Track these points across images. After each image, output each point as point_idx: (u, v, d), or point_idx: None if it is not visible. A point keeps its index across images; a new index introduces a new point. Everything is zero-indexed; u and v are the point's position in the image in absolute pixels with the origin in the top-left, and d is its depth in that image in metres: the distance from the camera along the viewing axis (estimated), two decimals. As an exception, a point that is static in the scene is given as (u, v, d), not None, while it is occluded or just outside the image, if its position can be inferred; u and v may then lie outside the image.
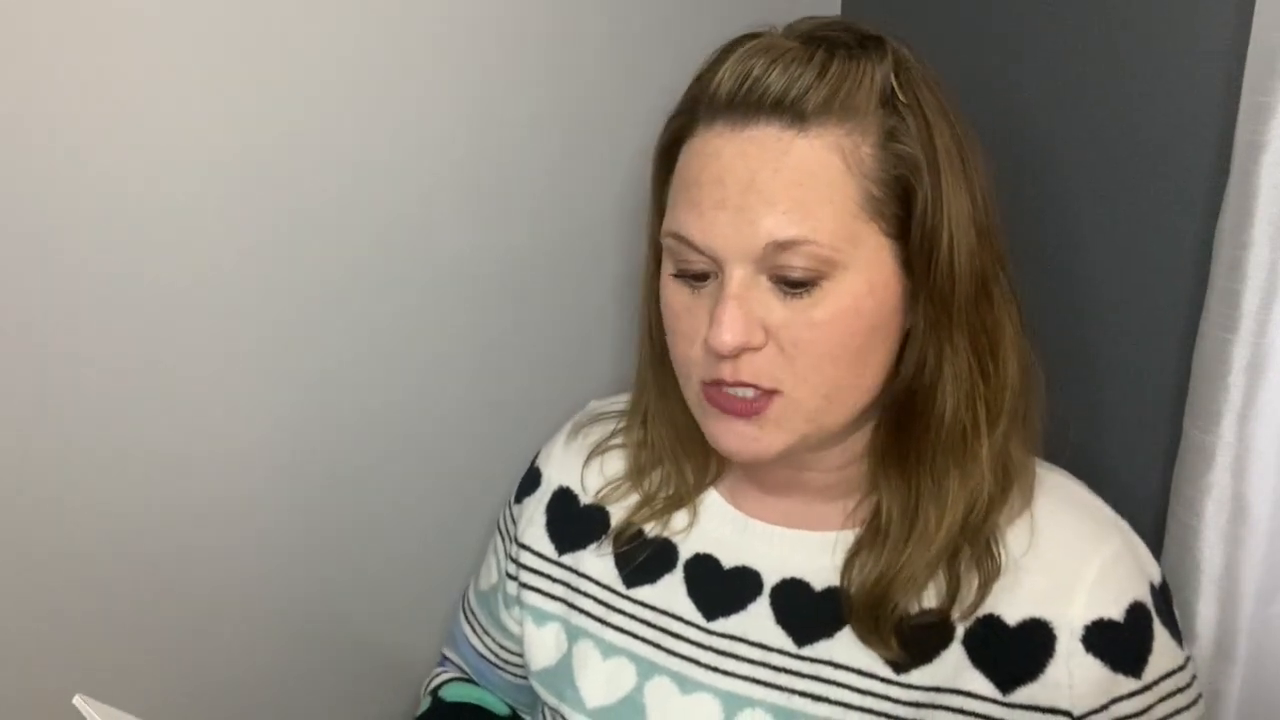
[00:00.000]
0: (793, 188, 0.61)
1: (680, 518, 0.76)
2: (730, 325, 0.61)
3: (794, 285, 0.62)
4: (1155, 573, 0.67)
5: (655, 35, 0.91)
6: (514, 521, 0.84)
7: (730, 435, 0.66)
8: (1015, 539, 0.66)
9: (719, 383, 0.64)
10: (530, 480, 0.84)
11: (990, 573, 0.65)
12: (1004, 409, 0.66)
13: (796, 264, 0.61)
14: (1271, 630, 0.73)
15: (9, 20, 0.66)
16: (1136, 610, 0.64)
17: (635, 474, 0.78)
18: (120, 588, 0.79)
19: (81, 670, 0.79)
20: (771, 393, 0.64)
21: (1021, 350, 0.67)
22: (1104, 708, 0.64)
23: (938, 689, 0.66)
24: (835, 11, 1.01)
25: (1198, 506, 0.72)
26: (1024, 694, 0.64)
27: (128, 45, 0.70)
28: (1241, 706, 0.74)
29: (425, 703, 0.88)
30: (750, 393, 0.64)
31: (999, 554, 0.66)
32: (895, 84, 0.63)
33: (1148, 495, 0.80)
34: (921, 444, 0.66)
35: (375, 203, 0.82)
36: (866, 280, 0.62)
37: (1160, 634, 0.65)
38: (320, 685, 0.91)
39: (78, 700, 0.55)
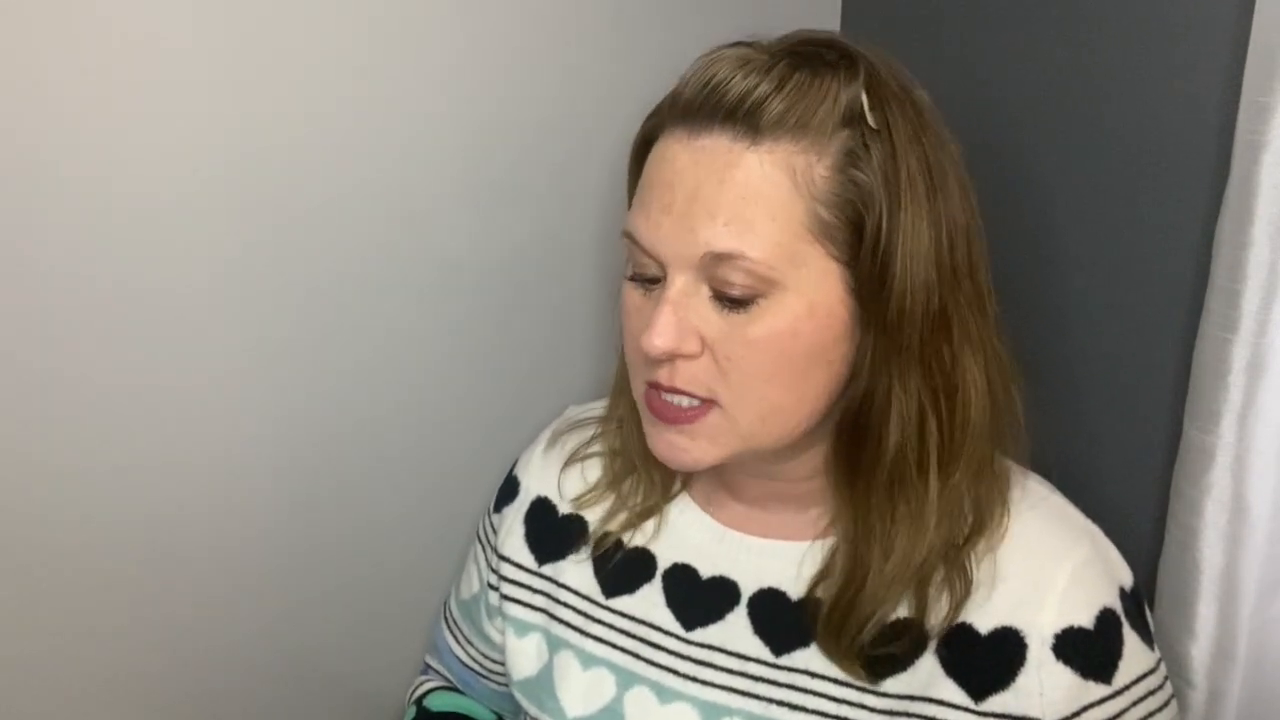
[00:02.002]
0: (735, 201, 0.60)
1: (652, 524, 0.75)
2: (662, 330, 0.61)
3: (732, 298, 0.61)
4: (1126, 577, 0.67)
5: (653, 36, 0.91)
6: (494, 531, 0.83)
7: (661, 442, 0.66)
8: (987, 564, 0.66)
9: (656, 386, 0.64)
10: (508, 489, 0.83)
11: (960, 594, 0.65)
12: (961, 453, 0.65)
13: (735, 279, 0.61)
14: (1271, 630, 0.73)
15: (7, 21, 0.66)
16: (1106, 617, 0.64)
17: (611, 481, 0.78)
18: (113, 591, 0.79)
19: (69, 675, 0.79)
20: (709, 403, 0.63)
21: (990, 395, 0.65)
22: (1076, 714, 0.64)
23: (912, 697, 0.66)
24: (836, 14, 1.01)
25: (1198, 506, 0.72)
26: (996, 702, 0.64)
27: (127, 46, 0.70)
28: (1241, 706, 0.74)
29: (410, 713, 0.88)
30: (686, 401, 0.64)
31: (971, 574, 0.65)
32: (865, 105, 0.61)
33: (1148, 495, 0.80)
34: (870, 477, 0.65)
35: (367, 209, 0.82)
36: (807, 303, 0.61)
37: (1130, 638, 0.65)
38: (310, 691, 0.91)
39: None
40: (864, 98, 0.61)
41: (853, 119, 0.61)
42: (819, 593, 0.68)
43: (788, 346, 0.62)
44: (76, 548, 0.77)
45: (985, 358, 0.65)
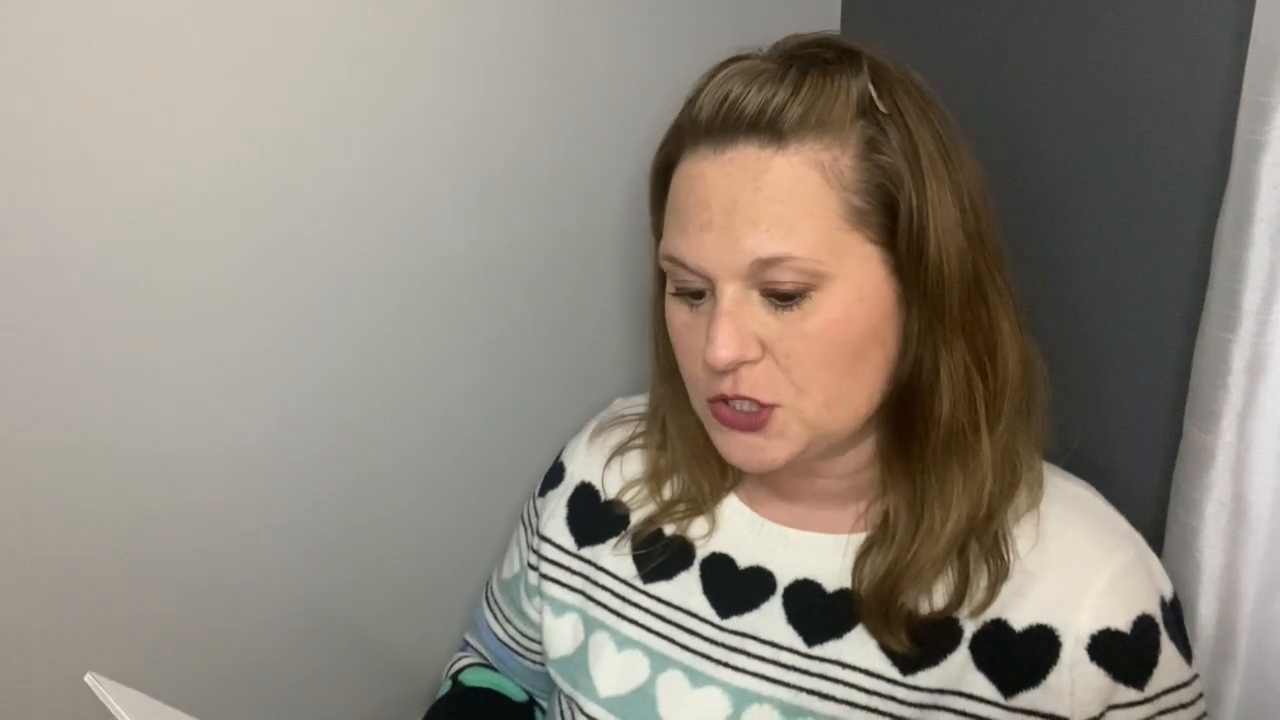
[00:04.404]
0: (773, 205, 0.62)
1: (700, 525, 0.77)
2: (725, 341, 0.63)
3: (784, 298, 0.63)
4: (1167, 588, 0.68)
5: (653, 35, 0.91)
6: (537, 514, 0.86)
7: (737, 447, 0.67)
8: (1023, 537, 0.67)
9: (721, 398, 0.66)
10: (554, 474, 0.86)
11: (999, 572, 0.66)
12: (1004, 407, 0.67)
13: (784, 278, 0.62)
14: (1271, 630, 0.73)
15: (11, 22, 0.66)
16: (1144, 623, 0.65)
17: (654, 477, 0.79)
18: (130, 589, 0.79)
19: (87, 670, 0.79)
20: (771, 406, 0.65)
21: (1022, 346, 0.68)
22: (1100, 716, 0.64)
23: (942, 690, 0.67)
24: (835, 15, 1.01)
25: (1198, 506, 0.72)
26: (1025, 699, 0.65)
27: (129, 46, 0.70)
28: (1241, 706, 0.74)
29: (445, 686, 0.90)
30: (751, 406, 0.65)
31: (1007, 554, 0.67)
32: (874, 94, 0.64)
33: (1148, 495, 0.80)
34: (924, 445, 0.67)
35: (381, 202, 0.82)
36: (856, 289, 0.63)
37: (1167, 648, 0.65)
38: (332, 682, 0.92)
39: (89, 679, 0.55)
40: (871, 88, 0.64)
41: (865, 109, 0.63)
42: (866, 568, 0.69)
43: (843, 333, 0.63)
44: (88, 547, 0.77)
45: (1012, 308, 0.67)
